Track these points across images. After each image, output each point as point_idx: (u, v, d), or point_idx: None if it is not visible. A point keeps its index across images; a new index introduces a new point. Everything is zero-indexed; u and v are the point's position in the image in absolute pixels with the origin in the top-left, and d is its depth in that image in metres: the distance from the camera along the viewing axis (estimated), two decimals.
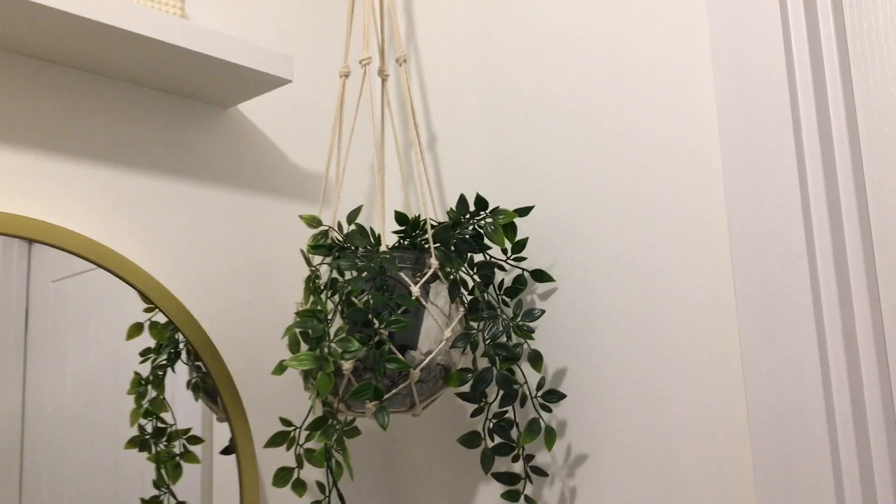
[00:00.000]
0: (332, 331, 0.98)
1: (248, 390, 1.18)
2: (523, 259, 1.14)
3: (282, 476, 1.02)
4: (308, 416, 1.06)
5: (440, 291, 1.11)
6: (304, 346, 1.04)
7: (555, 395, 1.08)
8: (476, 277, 1.11)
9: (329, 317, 0.99)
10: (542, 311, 1.11)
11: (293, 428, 1.04)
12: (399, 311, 1.01)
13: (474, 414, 1.11)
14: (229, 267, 1.19)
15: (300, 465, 1.03)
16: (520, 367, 1.09)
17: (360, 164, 1.37)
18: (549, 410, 1.08)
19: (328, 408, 0.98)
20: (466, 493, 1.23)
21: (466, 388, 1.09)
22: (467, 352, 1.11)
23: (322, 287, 1.04)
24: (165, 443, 1.04)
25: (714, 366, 0.98)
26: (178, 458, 1.05)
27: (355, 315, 0.98)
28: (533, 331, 1.11)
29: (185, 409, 1.08)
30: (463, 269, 1.11)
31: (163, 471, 1.04)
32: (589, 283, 1.11)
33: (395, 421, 1.34)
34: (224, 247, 1.18)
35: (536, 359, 1.09)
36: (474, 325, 1.08)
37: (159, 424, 1.04)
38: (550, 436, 1.05)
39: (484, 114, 1.25)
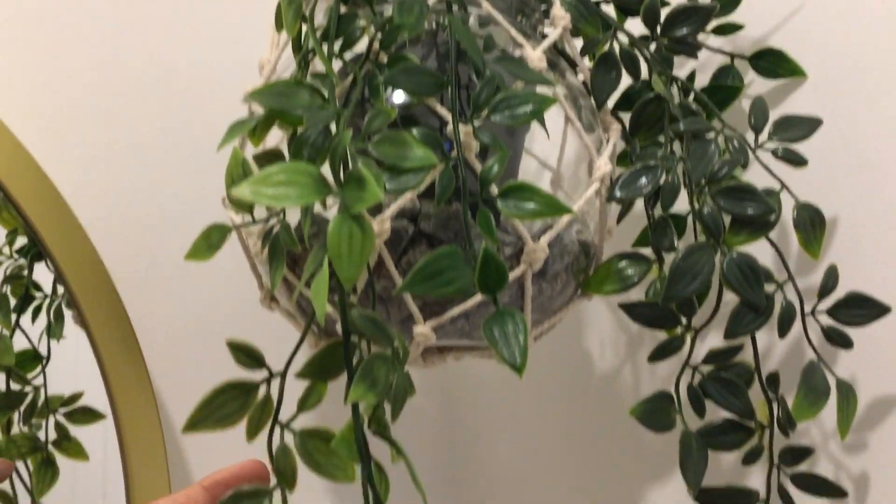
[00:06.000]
0: (343, 121, 0.37)
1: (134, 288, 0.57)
2: (735, 30, 0.54)
3: None
4: (303, 338, 0.38)
5: (570, 81, 0.51)
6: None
7: (864, 309, 0.47)
8: (649, 53, 0.50)
9: (338, 97, 0.38)
10: (817, 122, 0.52)
11: (266, 376, 0.39)
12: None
13: (659, 354, 0.50)
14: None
15: (287, 481, 0.39)
16: (773, 245, 0.48)
17: None
18: (847, 345, 0.47)
19: (361, 315, 0.35)
20: None
21: (633, 293, 0.48)
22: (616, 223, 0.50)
23: (324, 18, 0.42)
24: (25, 421, 0.54)
25: None
26: (48, 449, 0.54)
27: (412, 81, 0.38)
28: (805, 161, 0.50)
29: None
30: (619, 34, 0.50)
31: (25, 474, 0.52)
32: None
33: (463, 370, 0.65)
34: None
35: (812, 225, 0.49)
36: (652, 149, 0.47)
37: (13, 384, 0.54)
38: (849, 404, 0.46)
39: None
